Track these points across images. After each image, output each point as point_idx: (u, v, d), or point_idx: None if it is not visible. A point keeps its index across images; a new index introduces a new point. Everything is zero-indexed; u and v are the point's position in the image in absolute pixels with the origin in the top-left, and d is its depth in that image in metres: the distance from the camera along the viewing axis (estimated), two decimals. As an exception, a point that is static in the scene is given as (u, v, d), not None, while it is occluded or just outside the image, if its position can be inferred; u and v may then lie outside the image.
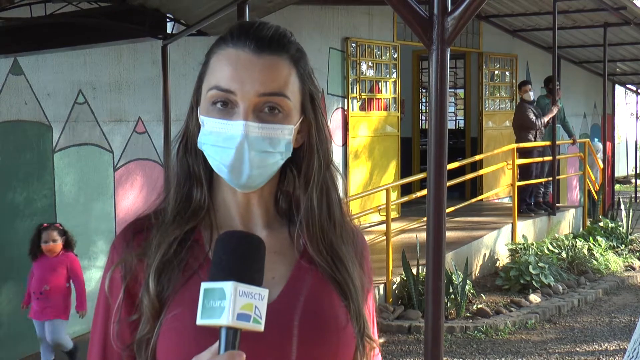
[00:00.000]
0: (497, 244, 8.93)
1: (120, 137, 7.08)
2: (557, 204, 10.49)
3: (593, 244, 9.54)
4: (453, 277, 7.07)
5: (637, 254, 10.09)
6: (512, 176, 9.62)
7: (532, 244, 9.00)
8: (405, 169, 11.20)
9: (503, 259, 8.89)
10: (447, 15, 2.35)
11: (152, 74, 7.13)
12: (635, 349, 1.39)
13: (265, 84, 1.17)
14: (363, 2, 9.61)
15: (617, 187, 16.77)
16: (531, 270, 7.97)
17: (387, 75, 10.28)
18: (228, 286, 1.02)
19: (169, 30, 6.43)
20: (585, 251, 9.17)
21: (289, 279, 1.22)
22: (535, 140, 9.95)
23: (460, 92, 14.67)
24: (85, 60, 6.74)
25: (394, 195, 8.56)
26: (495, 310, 7.26)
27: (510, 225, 9.24)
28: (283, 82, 1.19)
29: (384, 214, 7.48)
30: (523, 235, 9.22)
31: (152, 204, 1.26)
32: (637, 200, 15.57)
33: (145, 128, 7.27)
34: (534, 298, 7.65)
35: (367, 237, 1.58)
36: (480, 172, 10.24)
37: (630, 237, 10.52)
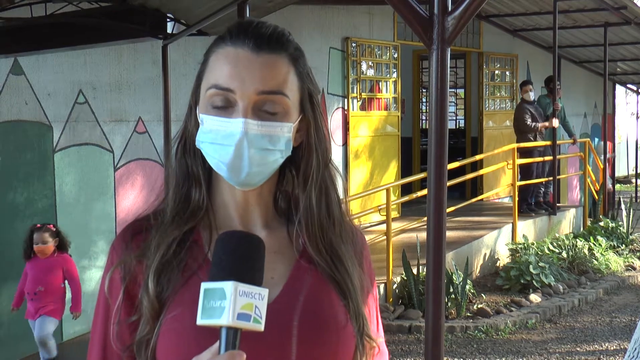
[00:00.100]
0: (497, 243, 8.93)
1: (121, 137, 7.09)
2: (557, 204, 10.48)
3: (593, 243, 9.54)
4: (453, 277, 7.07)
5: (638, 253, 10.08)
6: (512, 176, 9.62)
7: (533, 244, 8.99)
8: (405, 169, 11.20)
9: (503, 258, 8.89)
10: (448, 15, 2.35)
11: (152, 73, 7.14)
12: (635, 349, 1.38)
13: (264, 82, 1.17)
14: (363, 2, 9.61)
15: (617, 186, 16.75)
16: (532, 270, 7.97)
17: (388, 75, 10.28)
18: (228, 286, 1.02)
19: (169, 30, 6.43)
20: (586, 251, 9.16)
21: (289, 278, 1.22)
22: (535, 140, 9.95)
23: (461, 91, 14.67)
24: (85, 60, 6.75)
25: (394, 195, 8.56)
26: (495, 310, 7.26)
27: (511, 225, 9.24)
28: (282, 80, 1.19)
29: (385, 213, 7.48)
30: (523, 235, 9.22)
31: (152, 205, 1.26)
32: (638, 200, 15.56)
33: (146, 128, 7.27)
34: (535, 298, 7.65)
35: (367, 237, 1.58)
36: (481, 171, 10.23)
37: (630, 237, 10.51)
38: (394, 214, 8.28)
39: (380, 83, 10.17)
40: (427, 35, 2.38)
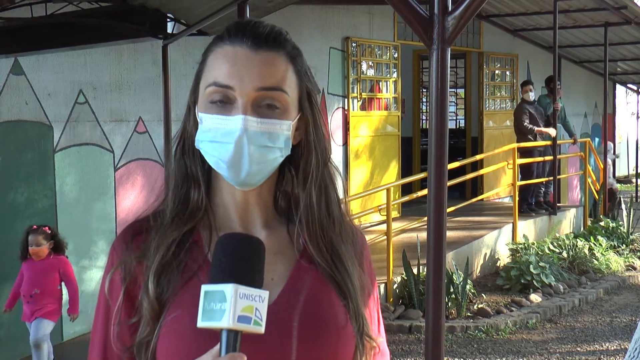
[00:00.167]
0: (497, 243, 8.93)
1: (121, 137, 7.09)
2: (557, 204, 10.48)
3: (594, 243, 9.54)
4: (454, 277, 7.07)
5: (638, 253, 10.08)
6: (512, 176, 9.62)
7: (533, 244, 8.99)
8: (405, 169, 11.20)
9: (504, 258, 8.89)
10: (448, 15, 2.35)
11: (152, 73, 7.14)
12: (636, 349, 1.38)
13: (263, 79, 1.17)
14: (363, 2, 9.61)
15: (618, 186, 16.75)
16: (532, 269, 7.97)
17: (388, 75, 10.28)
18: (228, 289, 1.02)
19: (169, 30, 6.43)
20: (586, 251, 9.16)
21: (289, 279, 1.22)
22: (535, 140, 9.95)
23: (461, 91, 14.67)
24: (85, 60, 6.75)
25: (394, 195, 8.56)
26: (496, 309, 7.26)
27: (511, 224, 9.23)
28: (281, 77, 1.19)
29: (385, 213, 7.48)
30: (524, 235, 9.22)
31: (151, 206, 1.26)
32: (638, 200, 15.56)
33: (146, 128, 7.27)
34: (535, 298, 7.65)
35: (367, 237, 1.57)
36: (481, 171, 10.23)
37: (631, 236, 10.51)
38: (394, 213, 8.28)
39: (381, 83, 10.17)
40: (428, 35, 2.38)
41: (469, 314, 7.11)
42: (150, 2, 5.90)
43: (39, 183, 6.46)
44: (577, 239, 9.48)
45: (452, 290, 6.97)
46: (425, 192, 6.73)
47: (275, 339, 1.14)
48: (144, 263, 1.19)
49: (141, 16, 6.05)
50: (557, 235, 9.87)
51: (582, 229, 10.78)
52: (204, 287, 1.05)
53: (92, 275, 6.81)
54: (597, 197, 12.03)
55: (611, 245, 9.89)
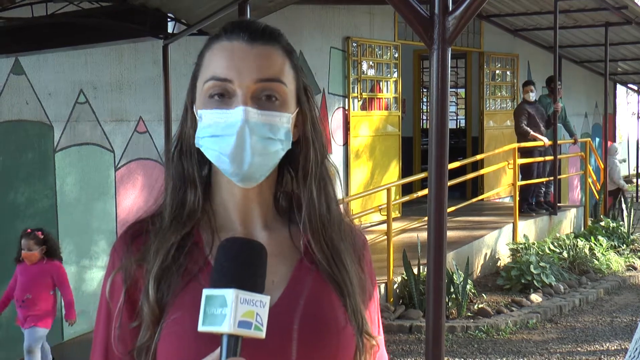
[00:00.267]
0: (498, 243, 8.93)
1: (122, 136, 7.09)
2: (558, 204, 10.48)
3: (594, 243, 9.53)
4: (454, 277, 7.07)
5: (639, 253, 10.08)
6: (513, 176, 9.62)
7: (533, 244, 8.99)
8: (406, 169, 11.19)
9: (504, 258, 8.89)
10: (448, 15, 2.35)
11: (153, 73, 7.14)
12: (636, 349, 1.38)
13: (261, 70, 1.17)
14: (364, 2, 9.61)
15: (627, 187, 16.74)
16: (532, 269, 7.97)
17: (388, 75, 10.28)
18: (229, 294, 1.02)
19: (170, 30, 6.43)
20: (587, 251, 9.16)
21: (289, 281, 1.21)
22: (535, 140, 9.94)
23: (462, 91, 14.67)
24: (86, 60, 6.75)
25: (395, 195, 8.56)
26: (496, 309, 7.26)
27: (512, 224, 9.23)
28: (279, 69, 1.19)
29: (385, 213, 7.48)
30: (524, 235, 9.21)
31: (151, 207, 1.26)
32: (639, 200, 15.54)
33: (147, 128, 7.27)
34: (535, 298, 7.64)
35: (368, 237, 1.56)
36: (482, 171, 10.23)
37: (631, 236, 10.51)
38: (394, 213, 8.28)
39: (381, 83, 10.17)
40: (428, 35, 2.38)
41: (469, 313, 7.11)
42: (150, 1, 5.90)
43: (39, 183, 6.46)
44: (578, 239, 9.47)
45: (452, 290, 6.97)
46: (425, 192, 6.73)
47: (275, 342, 1.14)
48: (144, 266, 1.19)
49: (142, 16, 6.05)
50: (558, 235, 9.87)
51: (582, 229, 10.78)
52: (205, 292, 1.05)
53: (93, 275, 6.81)
54: (597, 197, 12.03)
55: (612, 245, 9.89)
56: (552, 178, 10.13)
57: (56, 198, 6.58)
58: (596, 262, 9.07)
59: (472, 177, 10.20)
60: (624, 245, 10.16)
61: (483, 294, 7.71)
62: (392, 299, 7.12)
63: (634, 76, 16.13)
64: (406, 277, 7.08)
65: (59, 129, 6.58)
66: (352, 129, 9.61)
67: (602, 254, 9.32)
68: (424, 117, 13.87)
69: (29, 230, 5.45)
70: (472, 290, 7.50)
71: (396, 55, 10.36)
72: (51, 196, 6.55)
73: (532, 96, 10.06)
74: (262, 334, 1.04)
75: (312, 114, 1.25)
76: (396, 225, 8.30)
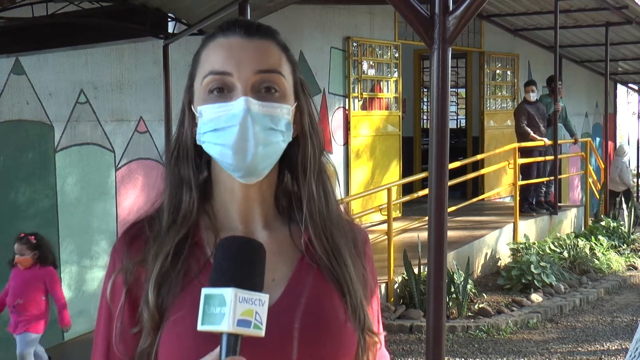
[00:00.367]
0: (498, 243, 8.92)
1: (122, 136, 7.09)
2: (558, 204, 10.48)
3: (595, 243, 9.53)
4: (454, 277, 7.07)
5: (639, 253, 10.08)
6: (513, 175, 9.61)
7: (534, 244, 8.99)
8: (406, 169, 11.19)
9: (505, 258, 8.89)
10: (449, 15, 2.36)
11: (153, 73, 7.14)
12: (637, 349, 1.38)
13: (260, 61, 1.18)
14: (364, 2, 9.61)
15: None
16: (533, 269, 7.96)
17: (389, 75, 10.28)
18: (228, 292, 1.03)
19: (170, 30, 6.44)
20: (587, 250, 9.16)
21: (290, 280, 1.21)
22: (535, 141, 9.94)
23: (462, 91, 14.66)
24: (86, 60, 6.75)
25: (395, 195, 8.56)
26: (496, 309, 7.26)
27: (512, 224, 9.23)
28: (277, 61, 1.20)
29: (386, 213, 7.48)
30: (525, 235, 9.21)
31: (150, 208, 1.26)
32: (639, 200, 15.54)
33: (147, 128, 7.27)
34: (536, 297, 7.64)
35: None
36: (482, 171, 10.23)
37: (632, 236, 10.50)
38: (395, 213, 8.28)
39: (382, 83, 10.17)
40: (428, 34, 2.38)
41: (469, 313, 7.11)
42: (151, 1, 5.90)
43: (40, 183, 6.46)
44: (578, 239, 9.47)
45: (453, 290, 6.97)
46: (426, 191, 6.73)
47: (276, 341, 1.14)
48: (145, 267, 1.19)
49: (142, 16, 6.05)
50: (558, 235, 9.87)
51: (583, 228, 10.77)
52: (204, 291, 1.05)
53: (94, 275, 6.81)
54: (598, 196, 12.02)
55: (612, 245, 9.89)
56: (552, 178, 10.13)
57: (57, 198, 6.58)
58: (597, 261, 9.06)
59: (472, 176, 10.20)
60: (625, 245, 10.16)
61: (483, 294, 7.71)
62: (392, 299, 7.13)
63: (634, 76, 16.13)
64: (407, 277, 7.08)
65: (59, 129, 6.58)
66: (352, 129, 9.61)
67: (603, 253, 9.32)
68: (425, 117, 13.86)
69: (22, 234, 5.38)
70: (473, 290, 7.50)
71: (396, 55, 10.36)
72: (52, 196, 6.55)
73: (533, 96, 10.06)
74: (262, 333, 1.04)
75: (309, 109, 1.25)
76: (397, 225, 8.30)
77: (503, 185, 11.20)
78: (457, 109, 15.42)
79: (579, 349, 6.39)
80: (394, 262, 7.11)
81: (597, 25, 11.52)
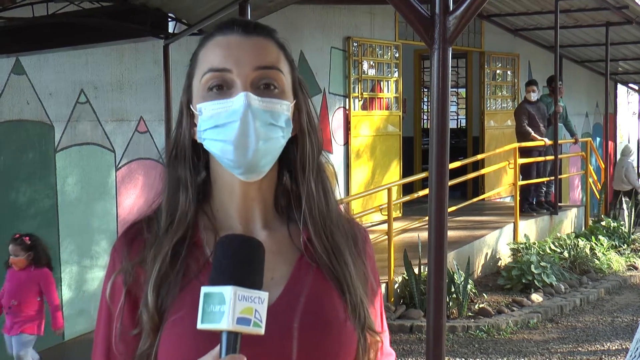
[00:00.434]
0: (499, 243, 8.92)
1: (122, 136, 7.09)
2: (559, 204, 10.47)
3: (595, 243, 9.53)
4: (455, 277, 7.07)
5: (639, 253, 10.08)
6: (513, 175, 9.61)
7: (534, 244, 8.99)
8: (406, 169, 11.19)
9: (505, 258, 8.89)
10: (449, 15, 2.36)
11: (153, 73, 7.14)
12: (637, 349, 1.38)
13: (259, 58, 1.18)
14: (365, 2, 9.61)
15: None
16: (533, 269, 7.96)
17: (389, 75, 10.27)
18: (227, 291, 1.03)
19: (170, 30, 6.44)
20: (588, 250, 9.16)
21: (289, 279, 1.21)
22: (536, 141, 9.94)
23: (462, 91, 14.67)
24: (87, 59, 6.75)
25: (395, 195, 8.56)
26: (497, 309, 7.26)
27: (512, 224, 9.23)
28: (276, 58, 1.21)
29: (386, 213, 7.48)
30: (525, 235, 9.21)
31: (150, 208, 1.26)
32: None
33: (147, 127, 7.27)
34: (536, 297, 7.64)
35: (368, 237, 1.55)
36: (482, 171, 10.23)
37: (632, 236, 10.50)
38: (395, 213, 8.28)
39: (382, 83, 10.17)
40: (429, 34, 2.38)
41: (470, 313, 7.11)
42: (151, 1, 5.90)
43: (40, 183, 6.46)
44: (579, 239, 9.47)
45: (453, 290, 6.97)
46: (426, 191, 6.72)
47: (275, 340, 1.14)
48: (144, 268, 1.19)
49: (142, 16, 6.05)
50: (559, 234, 9.87)
51: (583, 228, 10.77)
52: (204, 289, 1.05)
53: (94, 275, 6.81)
54: (598, 196, 12.02)
55: (612, 245, 9.89)
56: (552, 178, 10.13)
57: (57, 198, 6.58)
58: (597, 261, 9.06)
59: (472, 176, 10.20)
60: (625, 245, 10.16)
61: (484, 294, 7.71)
62: (392, 299, 7.13)
63: (634, 76, 16.13)
64: (407, 277, 7.08)
65: (59, 128, 6.58)
66: (352, 129, 9.61)
67: (603, 253, 9.32)
68: (425, 117, 13.86)
69: (17, 235, 5.35)
70: (473, 290, 7.50)
71: (397, 55, 10.36)
72: (52, 196, 6.55)
73: (534, 96, 10.05)
74: (261, 330, 1.04)
75: (308, 108, 1.26)
76: (397, 225, 8.31)
77: (503, 185, 11.19)
78: (458, 108, 15.42)
79: (580, 349, 6.39)
80: (394, 262, 7.11)
81: (597, 25, 11.52)
